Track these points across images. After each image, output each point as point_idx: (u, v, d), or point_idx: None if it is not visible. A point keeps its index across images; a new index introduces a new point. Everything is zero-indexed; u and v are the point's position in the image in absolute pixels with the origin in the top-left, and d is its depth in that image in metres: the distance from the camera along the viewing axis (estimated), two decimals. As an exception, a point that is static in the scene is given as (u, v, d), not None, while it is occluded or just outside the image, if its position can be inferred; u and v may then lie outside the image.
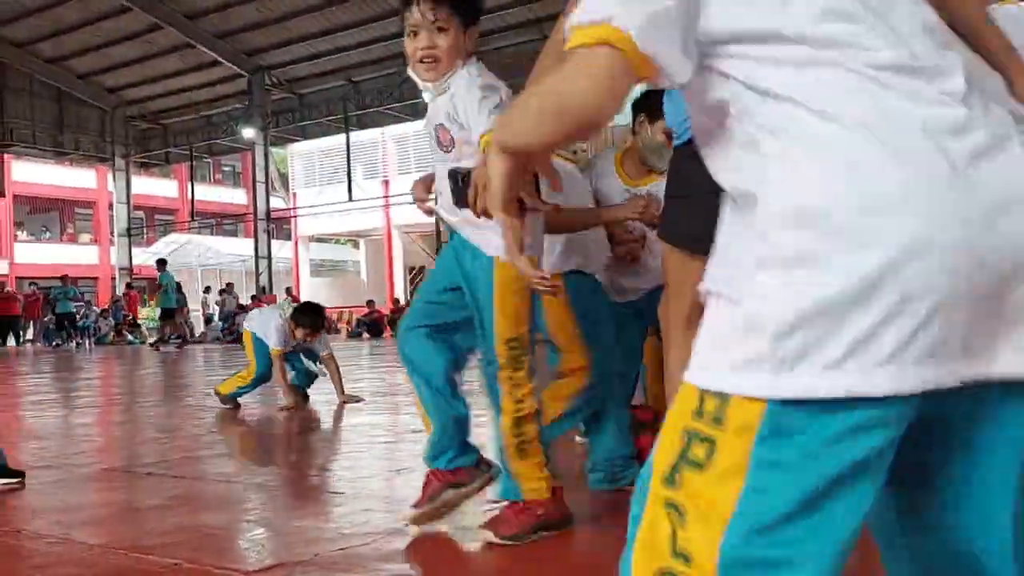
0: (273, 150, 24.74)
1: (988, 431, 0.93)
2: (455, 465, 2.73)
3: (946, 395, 0.83)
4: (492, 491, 2.69)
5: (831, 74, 0.88)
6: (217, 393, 6.47)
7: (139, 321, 21.84)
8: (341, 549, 2.63)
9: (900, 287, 0.80)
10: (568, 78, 0.91)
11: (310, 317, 6.31)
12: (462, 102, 2.46)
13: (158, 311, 19.82)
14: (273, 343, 6.17)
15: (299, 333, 6.18)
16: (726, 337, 0.90)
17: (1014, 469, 0.93)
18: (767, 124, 0.90)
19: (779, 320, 0.82)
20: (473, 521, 2.71)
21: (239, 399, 6.45)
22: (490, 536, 2.56)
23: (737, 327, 0.88)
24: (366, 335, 21.19)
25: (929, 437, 0.94)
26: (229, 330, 20.74)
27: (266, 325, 6.31)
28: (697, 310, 1.32)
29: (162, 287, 19.33)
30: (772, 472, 0.83)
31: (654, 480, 0.90)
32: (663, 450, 0.91)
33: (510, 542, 2.54)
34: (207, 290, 25.14)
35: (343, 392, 6.44)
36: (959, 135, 0.84)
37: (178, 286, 20.18)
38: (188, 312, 22.39)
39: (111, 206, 26.15)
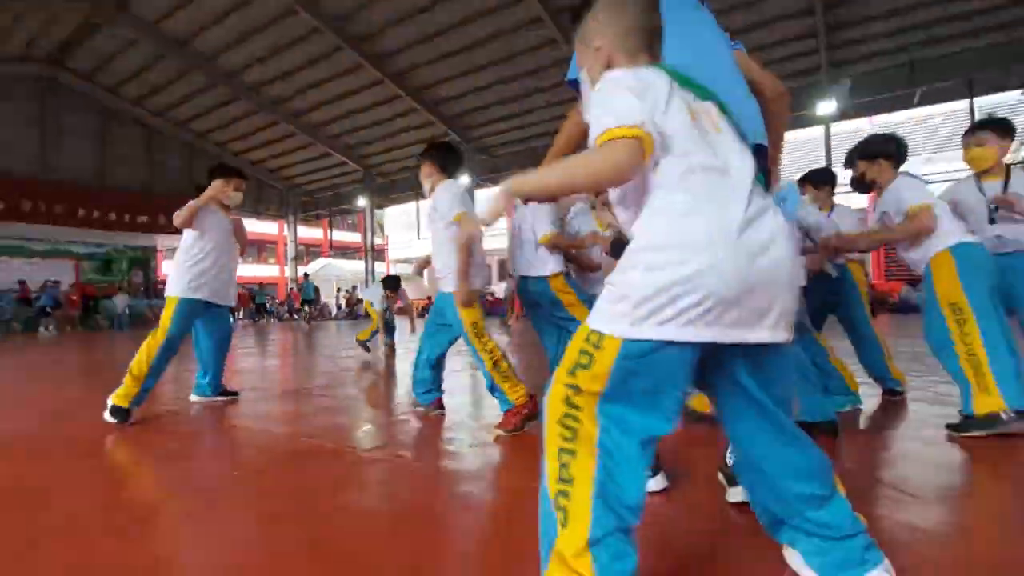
0: (376, 211, 24.96)
1: (750, 366, 1.07)
2: (419, 400, 3.07)
3: (733, 345, 0.98)
4: (496, 405, 2.70)
5: (678, 168, 1.00)
6: (358, 340, 6.85)
7: (300, 308, 21.83)
8: (421, 437, 2.65)
9: (699, 289, 0.93)
10: (607, 154, 0.98)
11: (392, 282, 6.98)
12: (443, 201, 2.71)
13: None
14: (376, 307, 6.89)
15: (389, 293, 6.85)
16: (607, 304, 1.01)
17: (768, 381, 1.07)
18: (649, 198, 1.02)
19: (637, 296, 0.96)
20: (490, 423, 2.73)
21: (368, 343, 6.83)
22: (499, 432, 2.57)
23: (614, 299, 1.00)
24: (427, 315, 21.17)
25: (727, 366, 1.08)
26: (351, 313, 20.77)
27: (374, 295, 7.01)
28: None
29: (303, 288, 19.52)
30: (624, 375, 0.97)
31: (561, 371, 1.03)
32: (567, 358, 1.03)
33: (511, 432, 2.55)
34: (338, 291, 25.15)
35: (413, 327, 6.91)
36: (740, 208, 0.97)
37: (316, 288, 20.23)
38: (323, 303, 22.47)
39: (285, 244, 26.19)
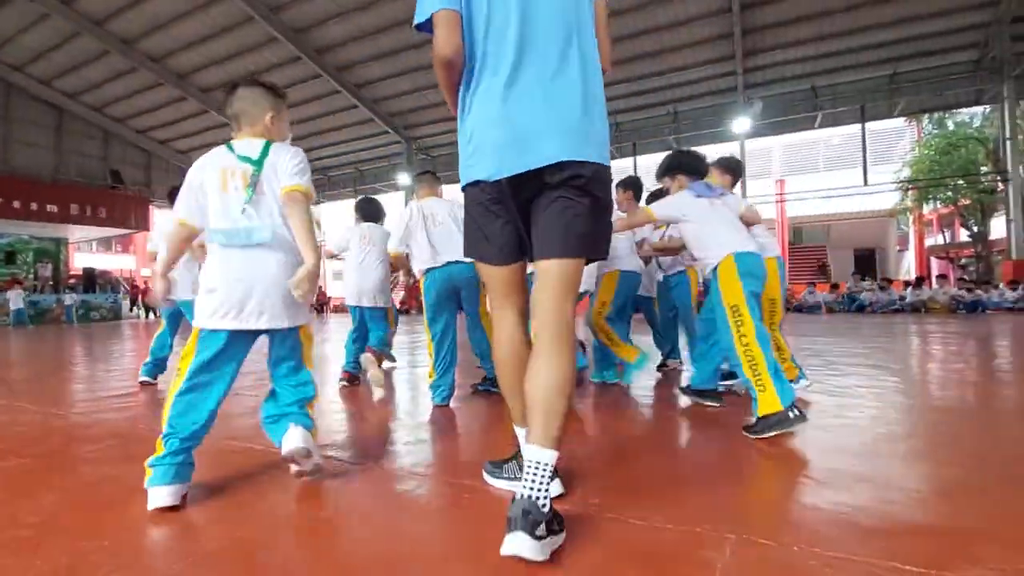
0: (313, 207, 23.63)
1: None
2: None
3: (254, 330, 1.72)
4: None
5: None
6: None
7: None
8: (352, 435, 2.52)
9: (224, 300, 1.64)
10: (170, 235, 1.76)
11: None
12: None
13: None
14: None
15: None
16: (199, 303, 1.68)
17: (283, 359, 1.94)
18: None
19: (206, 304, 1.65)
20: (425, 420, 2.64)
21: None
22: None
23: (200, 301, 1.67)
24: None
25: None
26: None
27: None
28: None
29: None
30: (202, 349, 1.66)
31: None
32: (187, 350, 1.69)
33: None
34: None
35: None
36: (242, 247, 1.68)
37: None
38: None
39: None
